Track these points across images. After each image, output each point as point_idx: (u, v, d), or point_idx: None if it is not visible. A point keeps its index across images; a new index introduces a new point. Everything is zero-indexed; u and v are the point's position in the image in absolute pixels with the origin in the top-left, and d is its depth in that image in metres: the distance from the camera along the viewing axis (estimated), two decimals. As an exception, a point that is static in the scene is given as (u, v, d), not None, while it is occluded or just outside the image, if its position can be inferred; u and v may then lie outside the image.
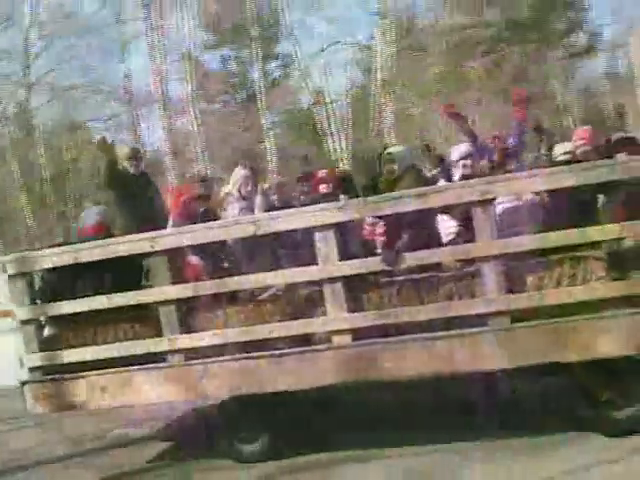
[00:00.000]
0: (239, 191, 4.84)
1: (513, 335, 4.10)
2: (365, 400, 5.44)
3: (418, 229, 4.35)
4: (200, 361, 4.60)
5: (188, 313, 4.64)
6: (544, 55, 21.53)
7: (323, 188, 4.92)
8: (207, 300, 4.66)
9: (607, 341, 3.95)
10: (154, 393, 4.71)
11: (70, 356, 4.83)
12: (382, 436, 4.60)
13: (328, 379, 4.40)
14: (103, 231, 5.11)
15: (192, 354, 4.62)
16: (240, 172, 4.91)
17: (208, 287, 4.55)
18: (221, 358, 4.55)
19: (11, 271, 4.88)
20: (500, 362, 4.16)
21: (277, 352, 4.47)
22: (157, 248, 4.58)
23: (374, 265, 4.32)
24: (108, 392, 4.78)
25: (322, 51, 16.37)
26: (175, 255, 4.61)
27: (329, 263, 4.33)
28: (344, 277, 4.31)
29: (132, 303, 4.69)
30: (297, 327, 4.46)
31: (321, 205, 4.38)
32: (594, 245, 4.09)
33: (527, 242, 4.10)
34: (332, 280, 4.33)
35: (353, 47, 18.09)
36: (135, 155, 5.87)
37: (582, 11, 23.27)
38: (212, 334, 4.57)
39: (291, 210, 4.49)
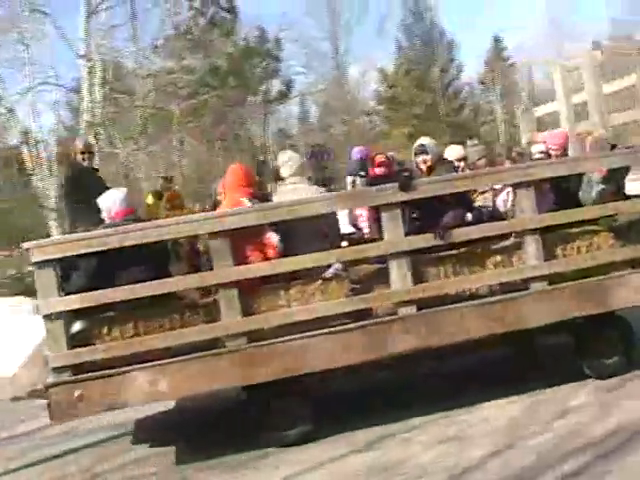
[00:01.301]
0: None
1: (551, 296, 5.05)
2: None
3: (463, 208, 5.13)
4: (267, 342, 4.71)
5: (249, 295, 4.72)
6: (243, 99, 24.55)
7: (380, 171, 5.39)
8: (271, 280, 4.79)
9: (622, 295, 5.13)
10: (212, 381, 4.66)
11: (112, 350, 4.53)
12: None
13: (396, 348, 4.86)
14: (132, 213, 4.92)
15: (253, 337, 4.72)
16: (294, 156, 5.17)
17: (279, 266, 4.71)
18: (287, 338, 4.72)
19: (38, 258, 4.45)
20: (542, 319, 5.06)
21: (344, 327, 4.81)
22: (219, 228, 4.62)
23: (431, 240, 4.95)
24: (158, 385, 4.58)
25: (28, 91, 16.68)
26: (245, 235, 4.68)
27: (396, 238, 4.85)
28: (407, 252, 4.87)
29: (197, 286, 4.63)
30: (365, 301, 4.86)
31: (389, 185, 4.89)
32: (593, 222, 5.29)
33: (558, 217, 5.12)
34: (398, 255, 4.86)
35: (60, 88, 18.66)
36: (88, 149, 6.08)
37: (277, 61, 27.03)
38: (282, 314, 4.73)
39: (361, 189, 4.92)
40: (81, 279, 4.52)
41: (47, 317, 4.48)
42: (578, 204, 5.39)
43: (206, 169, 27.95)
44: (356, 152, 6.26)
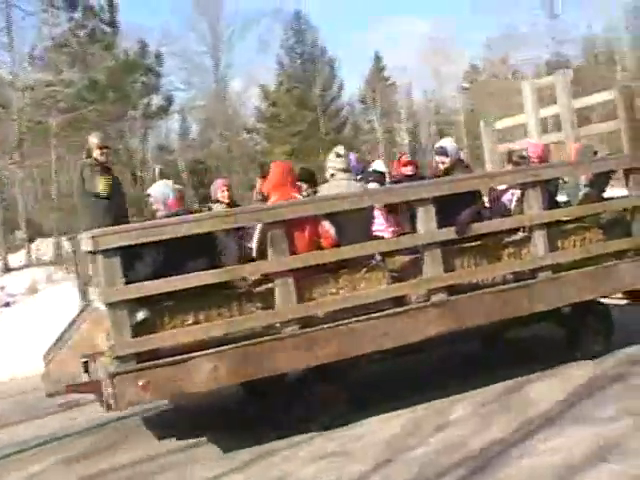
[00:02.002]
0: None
1: (555, 283, 5.79)
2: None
3: (479, 205, 5.77)
4: (317, 328, 5.05)
5: (302, 283, 5.05)
6: (123, 114, 25.04)
7: (407, 170, 5.86)
8: (321, 269, 5.14)
9: (612, 282, 5.97)
10: (270, 366, 4.92)
11: (175, 338, 4.68)
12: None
13: (430, 332, 5.38)
14: (183, 204, 5.10)
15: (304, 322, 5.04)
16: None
17: (338, 253, 5.09)
18: (335, 323, 5.09)
19: (104, 246, 4.52)
20: (549, 304, 5.79)
21: (384, 313, 5.25)
22: (277, 218, 4.93)
23: (452, 234, 5.53)
24: (219, 371, 4.78)
25: None
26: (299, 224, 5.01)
27: (429, 231, 5.39)
28: (438, 243, 5.42)
29: (255, 274, 4.88)
30: (404, 288, 5.34)
31: (423, 182, 5.42)
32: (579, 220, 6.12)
33: (561, 214, 5.90)
34: (431, 246, 5.40)
35: None
36: (105, 144, 6.17)
37: (158, 76, 27.78)
38: (333, 300, 5.09)
39: (399, 185, 5.40)
40: (147, 268, 4.64)
41: (111, 305, 4.56)
42: (557, 204, 6.21)
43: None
44: (353, 159, 6.65)
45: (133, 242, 4.57)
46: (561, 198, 6.40)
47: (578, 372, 5.71)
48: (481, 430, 4.74)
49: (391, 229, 5.65)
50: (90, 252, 4.72)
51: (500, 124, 8.15)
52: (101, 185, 6.04)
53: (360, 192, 5.29)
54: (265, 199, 6.54)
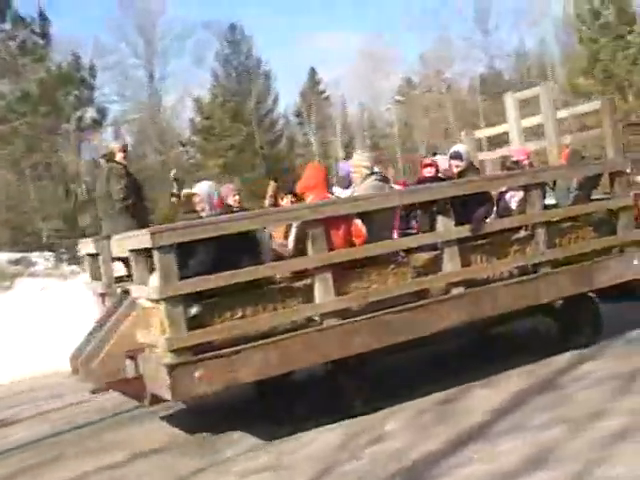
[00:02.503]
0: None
1: (556, 277, 6.38)
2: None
3: (489, 205, 6.30)
4: (351, 320, 5.44)
5: (339, 277, 5.43)
6: (55, 127, 25.19)
7: (428, 172, 6.32)
8: (353, 265, 5.53)
9: (603, 276, 6.62)
10: (313, 356, 5.28)
11: (227, 331, 4.97)
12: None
13: (449, 323, 5.85)
14: (223, 205, 5.40)
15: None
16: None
17: (367, 250, 5.50)
18: (367, 315, 5.49)
19: (161, 242, 4.77)
20: (552, 296, 6.37)
21: (410, 305, 5.69)
22: (319, 216, 5.31)
23: (468, 231, 6.04)
24: (269, 361, 5.10)
25: None
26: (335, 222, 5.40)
27: (448, 228, 5.88)
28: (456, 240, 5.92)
29: (299, 269, 5.24)
30: (428, 282, 5.79)
31: (443, 183, 5.91)
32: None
33: (560, 212, 6.51)
34: (449, 242, 5.88)
35: None
36: (125, 148, 6.44)
37: (91, 88, 28.04)
38: (367, 293, 5.49)
39: (424, 185, 5.87)
40: (198, 265, 4.92)
41: (168, 300, 4.81)
42: (546, 207, 6.83)
43: (16, 198, 26.92)
44: (344, 167, 7.02)
45: (190, 238, 4.85)
46: (548, 201, 7.04)
47: (513, 381, 5.88)
48: (417, 441, 4.81)
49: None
50: (131, 252, 4.99)
51: (479, 133, 8.78)
52: (127, 191, 6.26)
53: (390, 192, 5.74)
54: (275, 204, 6.93)
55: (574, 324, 6.73)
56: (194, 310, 4.92)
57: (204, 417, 6.12)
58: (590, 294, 6.86)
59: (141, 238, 4.93)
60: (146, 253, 5.24)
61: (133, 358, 5.39)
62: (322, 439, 5.13)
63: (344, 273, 5.46)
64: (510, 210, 6.57)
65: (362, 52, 43.28)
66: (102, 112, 30.67)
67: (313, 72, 43.54)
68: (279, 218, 5.29)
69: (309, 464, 4.69)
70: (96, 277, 6.67)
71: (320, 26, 65.19)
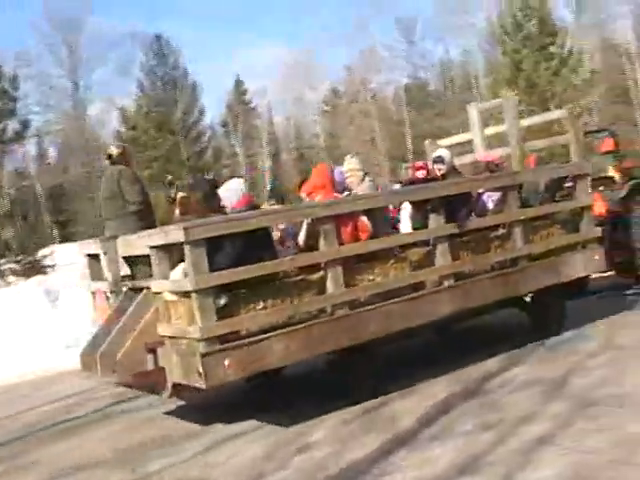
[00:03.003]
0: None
1: (532, 270, 7.03)
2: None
3: (471, 205, 6.89)
4: (362, 309, 5.88)
5: (347, 270, 5.86)
6: None
7: (421, 174, 6.81)
8: (358, 259, 5.98)
9: (570, 269, 7.32)
10: (328, 343, 5.68)
11: (253, 321, 5.32)
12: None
13: (443, 312, 6.38)
14: (252, 202, 5.77)
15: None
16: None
17: (380, 243, 5.97)
18: (376, 305, 5.95)
19: (194, 236, 5.08)
20: (529, 287, 7.01)
21: (412, 295, 6.19)
22: (333, 213, 5.74)
23: (458, 228, 6.60)
24: (290, 349, 5.47)
25: None
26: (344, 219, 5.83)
27: (439, 225, 6.42)
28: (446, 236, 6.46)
29: (312, 263, 5.63)
30: (424, 275, 6.30)
31: (434, 183, 6.44)
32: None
33: (532, 212, 7.17)
34: (441, 238, 6.42)
35: None
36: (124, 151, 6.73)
37: (13, 100, 27.91)
38: (374, 285, 5.95)
39: (421, 185, 6.41)
40: (227, 258, 5.25)
41: (199, 291, 5.12)
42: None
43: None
44: (339, 173, 7.45)
45: (219, 233, 5.19)
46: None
47: (438, 388, 6.01)
48: (344, 450, 4.87)
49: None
50: (152, 248, 5.32)
51: (443, 142, 9.42)
52: (141, 195, 6.50)
53: (394, 190, 6.25)
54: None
55: (542, 316, 7.41)
56: (222, 301, 5.25)
57: (132, 431, 6.16)
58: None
59: (173, 233, 5.21)
60: (166, 249, 5.55)
61: (153, 351, 5.64)
62: (249, 450, 5.17)
63: (351, 266, 5.91)
64: (487, 210, 7.19)
65: (288, 63, 44.01)
66: (25, 124, 30.02)
67: (239, 83, 43.92)
68: (298, 215, 5.69)
69: (236, 475, 4.76)
70: (96, 277, 6.87)
71: (247, 38, 65.72)
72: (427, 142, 9.47)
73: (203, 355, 5.09)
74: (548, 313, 7.42)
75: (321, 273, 5.75)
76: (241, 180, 5.98)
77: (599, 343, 6.73)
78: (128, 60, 42.38)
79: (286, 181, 39.93)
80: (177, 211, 7.06)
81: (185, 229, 5.09)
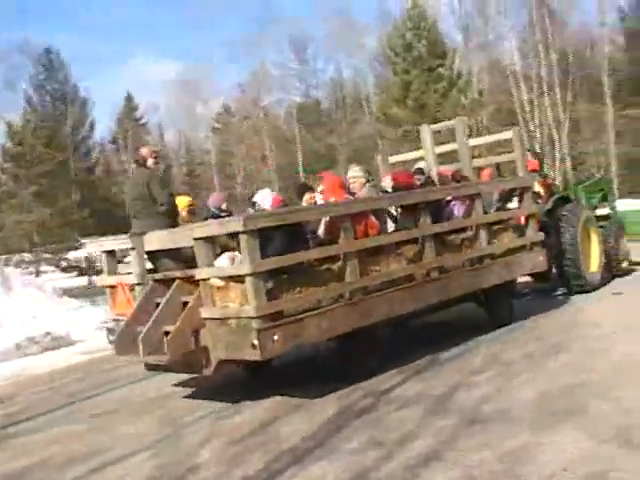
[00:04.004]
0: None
1: (493, 267, 8.34)
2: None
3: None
4: (372, 295, 6.90)
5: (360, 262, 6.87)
6: None
7: (417, 179, 7.95)
8: (370, 252, 7.00)
9: (522, 267, 8.72)
10: (348, 324, 6.63)
11: (294, 302, 6.20)
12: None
13: (431, 300, 7.53)
14: (283, 203, 6.68)
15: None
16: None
17: (391, 237, 7.09)
18: (385, 291, 6.99)
19: (250, 226, 5.91)
20: (490, 282, 8.29)
21: (405, 285, 7.28)
22: (350, 211, 6.74)
23: (439, 229, 7.79)
24: (321, 327, 6.38)
25: None
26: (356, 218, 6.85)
27: (426, 226, 7.57)
28: (433, 235, 7.63)
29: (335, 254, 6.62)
30: (418, 267, 7.42)
31: (422, 189, 7.62)
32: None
33: (493, 217, 8.50)
34: (428, 237, 7.58)
35: None
36: (155, 154, 7.46)
37: None
38: (382, 274, 6.98)
39: (413, 191, 7.54)
40: (280, 245, 6.15)
41: (253, 275, 5.95)
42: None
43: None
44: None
45: (272, 224, 6.07)
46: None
47: (326, 405, 6.13)
48: (230, 470, 4.86)
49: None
50: (196, 239, 6.18)
51: (392, 159, 10.67)
52: (169, 197, 7.18)
53: (390, 195, 7.36)
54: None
55: (495, 308, 8.75)
56: (269, 284, 6.11)
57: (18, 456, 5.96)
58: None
59: (232, 224, 6.03)
60: (211, 240, 6.34)
61: (196, 333, 6.37)
62: (135, 472, 5.13)
63: (363, 259, 6.94)
64: (455, 217, 8.45)
65: (180, 79, 44.35)
66: None
67: (130, 98, 43.73)
68: (328, 212, 6.68)
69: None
70: (112, 272, 7.48)
71: (139, 52, 65.12)
72: (379, 157, 10.68)
73: (258, 330, 5.92)
74: (500, 307, 8.76)
75: (340, 263, 6.74)
76: (268, 189, 6.89)
77: (485, 359, 7.11)
78: (16, 73, 41.14)
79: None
80: (183, 214, 7.87)
81: (244, 220, 5.93)
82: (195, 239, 6.36)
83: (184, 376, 7.54)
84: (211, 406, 6.59)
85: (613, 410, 4.99)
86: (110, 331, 7.48)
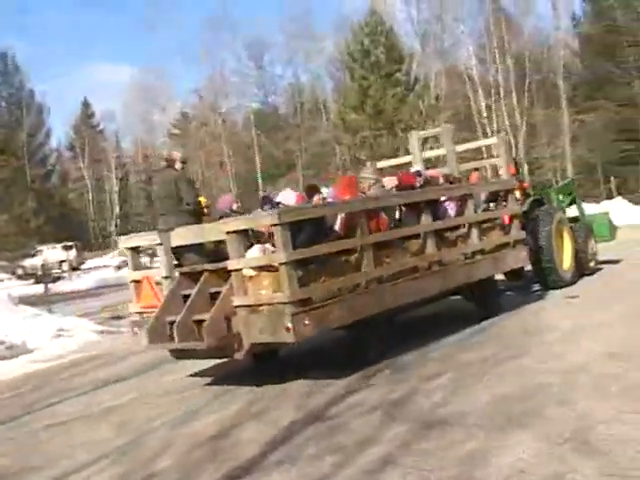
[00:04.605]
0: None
1: (485, 261, 9.12)
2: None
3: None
4: (385, 285, 7.58)
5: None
6: None
7: (418, 181, 8.64)
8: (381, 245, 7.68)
9: (507, 262, 9.53)
10: (365, 310, 7.29)
11: (320, 289, 6.82)
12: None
13: (434, 290, 8.26)
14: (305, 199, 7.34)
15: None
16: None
17: (400, 233, 7.77)
18: (395, 282, 7.68)
19: (285, 220, 6.52)
20: (481, 274, 9.07)
21: (416, 275, 7.99)
22: (366, 207, 7.42)
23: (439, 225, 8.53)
24: (342, 313, 7.02)
25: None
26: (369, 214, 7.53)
27: (428, 222, 8.30)
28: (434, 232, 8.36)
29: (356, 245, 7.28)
30: (421, 260, 8.13)
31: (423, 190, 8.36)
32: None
33: (483, 215, 9.29)
34: (429, 233, 8.30)
35: None
36: (185, 160, 8.06)
37: None
38: (395, 266, 7.68)
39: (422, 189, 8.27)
40: (306, 238, 6.77)
41: (287, 264, 6.55)
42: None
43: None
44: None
45: (302, 218, 6.71)
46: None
47: (285, 412, 6.16)
48: (189, 477, 4.92)
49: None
50: (228, 233, 6.78)
51: (380, 164, 11.42)
52: (195, 197, 7.72)
53: (397, 194, 8.10)
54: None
55: (484, 300, 9.54)
56: (300, 273, 6.72)
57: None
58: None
59: (267, 218, 6.63)
60: (243, 234, 6.92)
61: (228, 320, 6.93)
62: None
63: (375, 251, 7.62)
64: (449, 216, 9.19)
65: (137, 85, 44.36)
66: None
67: (87, 105, 43.54)
68: (350, 207, 7.38)
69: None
70: (137, 268, 7.99)
71: (96, 58, 64.68)
72: (368, 164, 11.40)
73: (292, 315, 6.52)
74: (487, 301, 9.53)
75: (357, 255, 7.40)
76: (289, 189, 7.55)
77: (443, 362, 7.20)
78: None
79: (134, 204, 40.17)
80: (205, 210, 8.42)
81: (278, 214, 6.54)
82: (227, 233, 6.92)
83: (142, 384, 7.98)
84: (170, 413, 6.67)
85: (569, 413, 5.03)
86: (135, 323, 7.95)
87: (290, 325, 6.53)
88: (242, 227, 6.88)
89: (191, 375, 8.08)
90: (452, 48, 39.18)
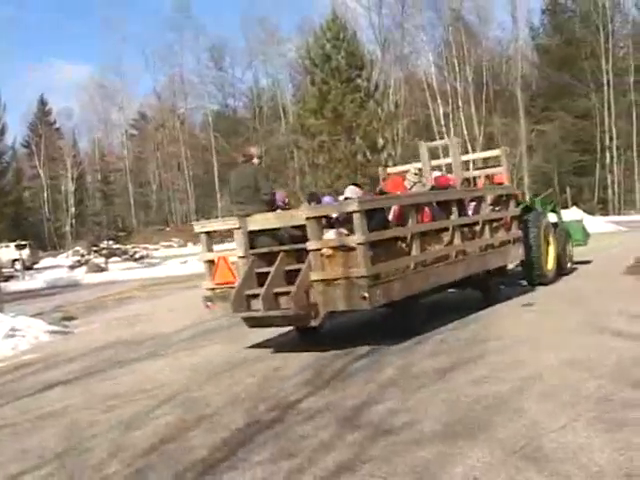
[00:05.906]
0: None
1: (493, 254, 10.75)
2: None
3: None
4: (428, 267, 9.09)
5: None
6: None
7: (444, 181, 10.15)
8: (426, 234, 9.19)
9: (510, 256, 11.21)
10: (414, 288, 8.76)
11: (385, 268, 8.27)
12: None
13: (461, 274, 9.82)
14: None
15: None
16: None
17: (438, 225, 9.28)
18: (435, 265, 9.20)
19: (363, 207, 7.96)
20: (492, 265, 10.70)
21: (447, 262, 9.52)
22: (413, 202, 8.92)
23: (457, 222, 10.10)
24: (399, 289, 8.48)
25: None
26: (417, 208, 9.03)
27: (456, 218, 9.86)
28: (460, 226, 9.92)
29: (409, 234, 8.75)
30: (446, 250, 9.67)
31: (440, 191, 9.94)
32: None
33: (494, 215, 10.93)
34: (457, 227, 9.86)
35: None
36: (262, 156, 9.41)
37: None
38: (441, 249, 9.20)
39: (449, 190, 9.79)
40: (375, 224, 8.21)
41: (364, 244, 7.98)
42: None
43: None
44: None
45: (375, 207, 8.15)
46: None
47: (234, 416, 6.06)
48: None
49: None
50: (307, 219, 8.17)
51: (390, 170, 12.96)
52: (272, 189, 9.04)
53: (437, 192, 9.68)
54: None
55: (488, 289, 11.17)
56: (370, 253, 8.15)
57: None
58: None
59: (351, 205, 8.05)
60: (321, 219, 8.30)
61: (307, 292, 8.27)
62: None
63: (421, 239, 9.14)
64: (467, 214, 10.78)
65: (96, 84, 44.58)
66: None
67: (43, 102, 43.44)
68: (411, 201, 8.89)
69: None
70: (210, 249, 9.24)
71: (54, 55, 63.84)
72: (380, 169, 12.92)
73: (369, 286, 7.95)
74: (491, 289, 11.16)
75: (407, 241, 8.89)
76: (352, 186, 9.00)
77: (395, 371, 7.13)
78: None
79: (89, 204, 40.34)
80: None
81: (359, 203, 7.99)
82: (307, 218, 8.26)
83: (86, 387, 7.98)
84: (116, 417, 6.52)
85: (521, 422, 5.07)
86: (207, 299, 9.18)
87: (367, 295, 7.95)
88: (326, 214, 8.25)
89: (138, 380, 8.11)
90: (412, 56, 40.06)
